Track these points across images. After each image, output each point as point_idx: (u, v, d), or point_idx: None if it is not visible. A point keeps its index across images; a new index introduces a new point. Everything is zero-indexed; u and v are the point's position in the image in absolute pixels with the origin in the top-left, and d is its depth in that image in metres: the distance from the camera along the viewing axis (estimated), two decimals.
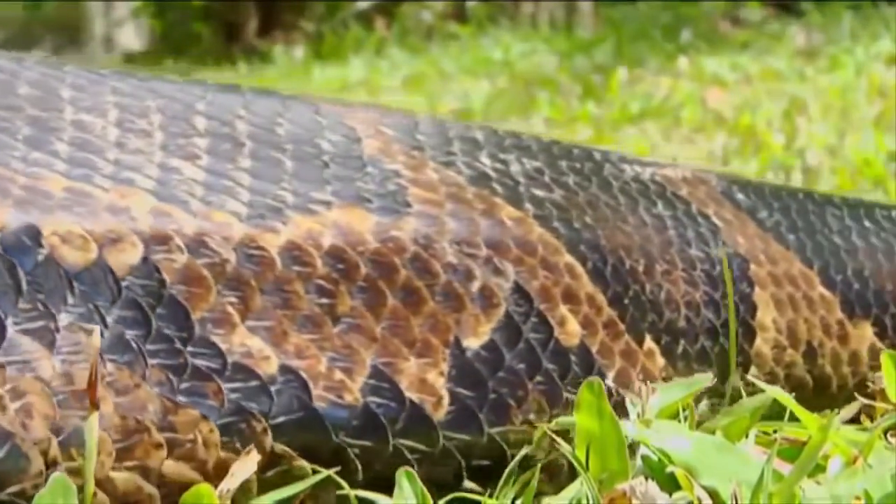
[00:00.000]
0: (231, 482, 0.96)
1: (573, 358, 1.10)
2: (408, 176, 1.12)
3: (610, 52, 6.68)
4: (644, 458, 1.00)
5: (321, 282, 0.99)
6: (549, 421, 1.05)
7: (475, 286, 1.07)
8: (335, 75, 7.12)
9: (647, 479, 0.95)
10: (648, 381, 1.10)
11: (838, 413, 1.13)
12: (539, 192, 1.20)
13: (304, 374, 0.95)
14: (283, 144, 1.10)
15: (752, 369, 1.28)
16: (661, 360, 1.18)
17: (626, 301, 1.17)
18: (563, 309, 1.11)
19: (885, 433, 1.15)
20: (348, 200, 1.06)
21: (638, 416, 1.07)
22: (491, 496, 1.02)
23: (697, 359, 1.21)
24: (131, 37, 11.15)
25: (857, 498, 0.93)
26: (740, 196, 1.40)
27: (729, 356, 1.25)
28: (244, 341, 0.94)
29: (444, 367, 1.02)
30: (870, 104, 4.30)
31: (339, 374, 0.97)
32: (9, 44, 10.81)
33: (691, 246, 1.28)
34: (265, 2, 9.83)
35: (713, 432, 1.07)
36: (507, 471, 1.03)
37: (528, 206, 1.17)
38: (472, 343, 1.04)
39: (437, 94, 5.80)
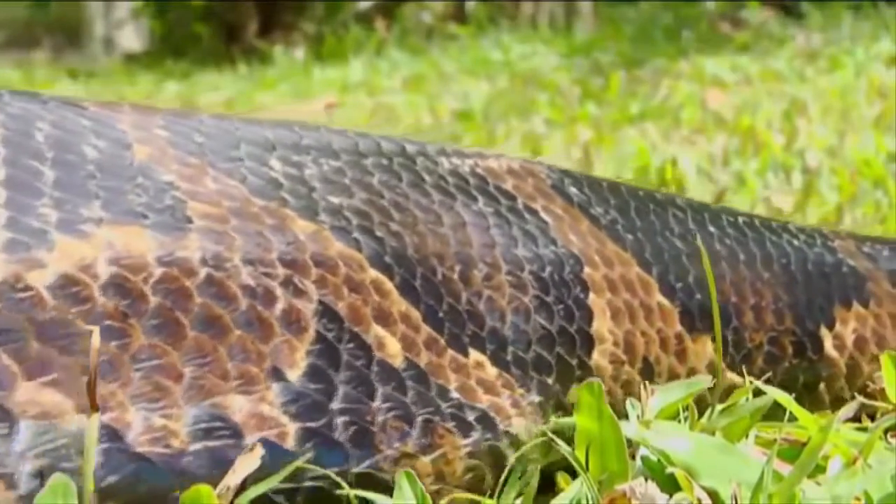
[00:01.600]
0: (233, 479, 0.96)
1: (406, 376, 1.01)
2: (184, 187, 0.99)
3: (610, 52, 6.68)
4: (644, 458, 1.00)
5: (108, 320, 0.87)
6: (407, 444, 0.98)
7: (278, 309, 0.96)
8: (335, 76, 7.12)
9: (646, 479, 0.95)
10: (488, 391, 1.05)
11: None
12: (336, 199, 1.07)
13: (115, 426, 0.85)
14: (44, 152, 0.94)
15: None
16: (492, 370, 1.07)
17: (442, 315, 1.07)
18: (379, 330, 1.02)
19: (886, 433, 1.15)
20: (121, 217, 0.93)
21: (637, 416, 1.07)
22: (491, 496, 1.02)
23: (535, 367, 1.11)
24: (131, 38, 11.15)
25: (857, 498, 0.93)
26: (573, 190, 1.27)
27: (715, 354, 1.26)
28: (34, 398, 0.83)
29: (274, 397, 0.92)
30: (870, 105, 4.29)
31: (158, 420, 0.87)
32: (10, 44, 10.81)
33: (517, 245, 1.16)
34: (265, 3, 9.83)
35: (713, 433, 1.07)
36: (507, 472, 1.03)
37: (323, 216, 1.05)
38: (293, 371, 0.95)
39: (436, 94, 5.80)
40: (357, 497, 0.95)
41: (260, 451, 0.98)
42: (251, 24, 9.85)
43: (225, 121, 1.12)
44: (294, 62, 8.41)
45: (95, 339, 0.91)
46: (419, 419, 0.99)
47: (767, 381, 1.20)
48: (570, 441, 1.02)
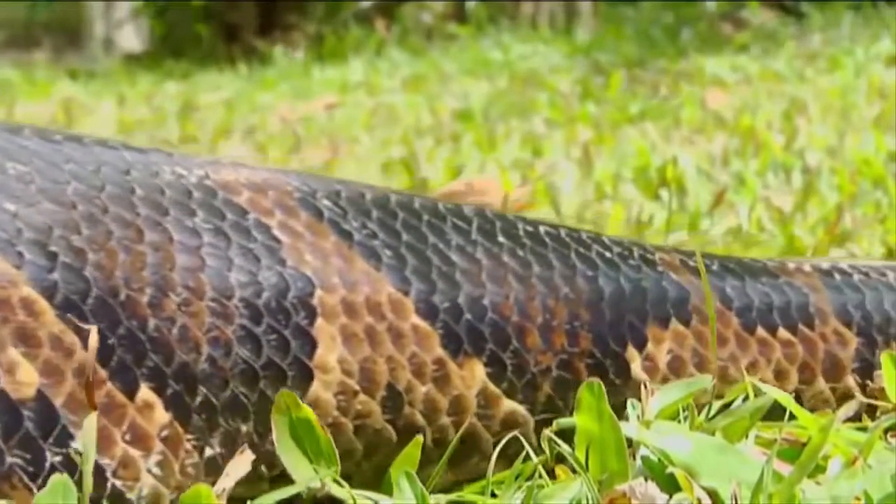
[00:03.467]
0: (226, 482, 0.96)
1: (27, 413, 0.91)
2: None
3: (610, 52, 6.68)
4: (644, 458, 1.00)
5: None
6: None
7: None
8: (335, 76, 7.12)
9: (646, 479, 0.95)
10: (142, 442, 0.94)
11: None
12: (12, 207, 0.98)
13: None
14: None
15: None
16: (164, 415, 0.96)
17: (113, 341, 0.96)
18: (14, 352, 0.91)
19: (885, 433, 1.15)
20: None
21: (638, 417, 1.07)
22: (493, 496, 1.02)
23: (227, 410, 1.00)
24: (131, 38, 11.15)
25: (857, 498, 0.93)
26: (325, 203, 1.15)
27: (710, 352, 1.25)
28: None
29: None
30: (869, 105, 4.29)
31: None
32: (10, 45, 10.81)
33: (231, 268, 1.05)
34: (265, 3, 9.83)
35: (713, 433, 1.07)
36: (508, 472, 1.03)
37: None
38: None
39: (436, 94, 5.80)
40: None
41: (251, 455, 0.98)
42: (251, 24, 9.85)
43: None
44: (294, 62, 8.41)
45: (93, 340, 0.92)
46: (5, 468, 0.89)
47: (555, 409, 1.14)
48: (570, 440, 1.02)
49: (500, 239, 1.21)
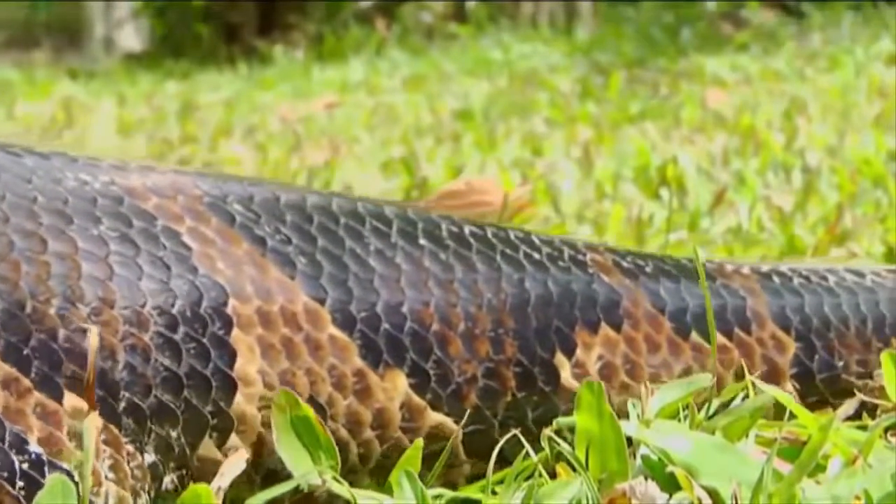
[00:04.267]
0: (222, 481, 0.96)
1: None
2: None
3: (610, 52, 6.68)
4: (644, 457, 1.00)
5: None
6: None
7: None
8: (335, 76, 7.12)
9: (646, 479, 0.95)
10: (77, 444, 0.92)
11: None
12: None
13: None
14: None
15: (233, 436, 1.02)
16: (97, 419, 0.94)
17: (27, 352, 0.94)
18: None
19: (886, 432, 1.15)
20: None
21: (638, 416, 1.07)
22: (494, 493, 1.02)
23: (156, 415, 0.98)
24: (131, 38, 11.15)
25: (857, 498, 0.93)
26: (236, 208, 1.11)
27: (711, 354, 1.25)
28: None
29: None
30: (870, 104, 4.29)
31: None
32: (10, 45, 10.82)
33: (142, 275, 1.02)
34: (265, 3, 9.83)
35: (713, 432, 1.07)
36: (509, 471, 1.03)
37: None
38: None
39: (436, 94, 5.80)
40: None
41: (245, 454, 0.98)
42: (251, 24, 9.85)
43: None
44: (294, 62, 8.41)
45: (94, 339, 0.92)
46: None
47: (483, 419, 1.11)
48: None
49: (422, 242, 1.16)
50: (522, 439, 1.08)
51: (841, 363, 1.29)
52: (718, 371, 1.21)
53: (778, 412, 1.13)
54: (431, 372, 1.10)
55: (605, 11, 8.63)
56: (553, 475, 1.04)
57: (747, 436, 1.08)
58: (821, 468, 1.02)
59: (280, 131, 4.65)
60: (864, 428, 1.13)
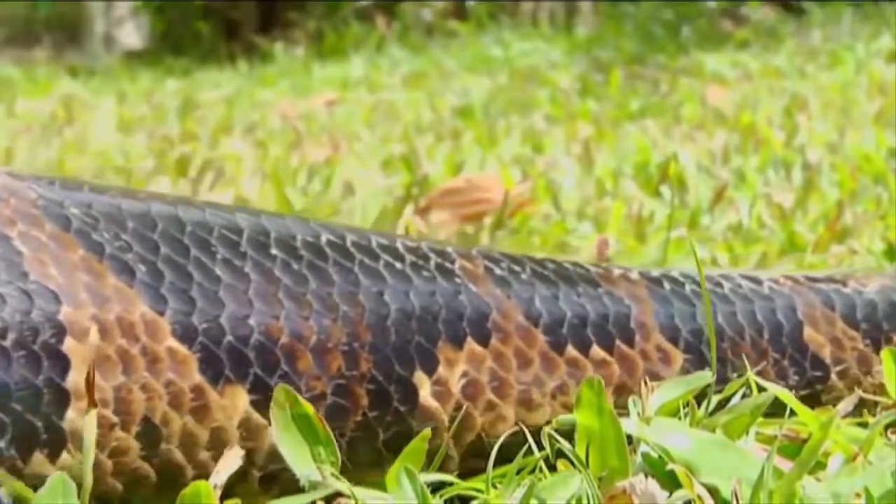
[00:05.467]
0: (218, 478, 0.97)
1: None
2: None
3: (610, 49, 6.68)
4: (644, 455, 1.00)
5: None
6: None
7: None
8: (335, 73, 7.12)
9: (647, 476, 0.95)
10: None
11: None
12: None
13: None
14: None
15: (65, 454, 0.96)
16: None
17: None
18: None
19: (886, 430, 1.15)
20: None
21: (638, 413, 1.07)
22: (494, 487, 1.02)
23: None
24: (132, 35, 11.15)
25: (858, 495, 0.93)
26: (74, 213, 1.05)
27: (711, 357, 1.25)
28: None
29: None
30: (870, 101, 4.29)
31: None
32: (10, 42, 10.82)
33: None
34: (266, 0, 9.83)
35: (713, 430, 1.07)
36: (508, 469, 1.03)
37: None
38: None
39: (437, 91, 5.80)
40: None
41: (240, 451, 0.98)
42: (251, 22, 9.85)
43: None
44: (294, 59, 8.41)
45: (93, 335, 0.92)
46: None
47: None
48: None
49: (274, 251, 1.09)
50: (528, 435, 1.08)
51: (735, 375, 1.20)
52: None
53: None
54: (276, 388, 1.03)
55: (606, 8, 8.63)
56: (554, 472, 1.04)
57: (748, 433, 1.08)
58: (821, 465, 1.03)
59: (280, 128, 4.64)
60: (864, 425, 1.13)
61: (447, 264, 1.16)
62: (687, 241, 2.11)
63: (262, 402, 1.02)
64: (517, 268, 1.19)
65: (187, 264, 1.05)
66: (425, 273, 1.14)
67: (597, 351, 1.17)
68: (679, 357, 1.21)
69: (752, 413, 1.09)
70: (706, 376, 1.13)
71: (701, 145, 3.56)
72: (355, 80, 6.63)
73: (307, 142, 4.19)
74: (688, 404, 1.10)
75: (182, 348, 1.01)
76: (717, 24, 7.28)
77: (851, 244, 2.19)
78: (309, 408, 1.00)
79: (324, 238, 1.13)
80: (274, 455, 1.01)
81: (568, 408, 1.12)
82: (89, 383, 0.93)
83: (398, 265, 1.14)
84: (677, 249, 2.02)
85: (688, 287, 1.26)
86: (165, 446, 0.99)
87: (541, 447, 1.06)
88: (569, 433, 1.04)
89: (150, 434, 0.98)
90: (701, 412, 1.10)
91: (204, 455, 1.00)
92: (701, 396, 1.12)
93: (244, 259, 1.07)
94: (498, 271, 1.17)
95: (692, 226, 2.43)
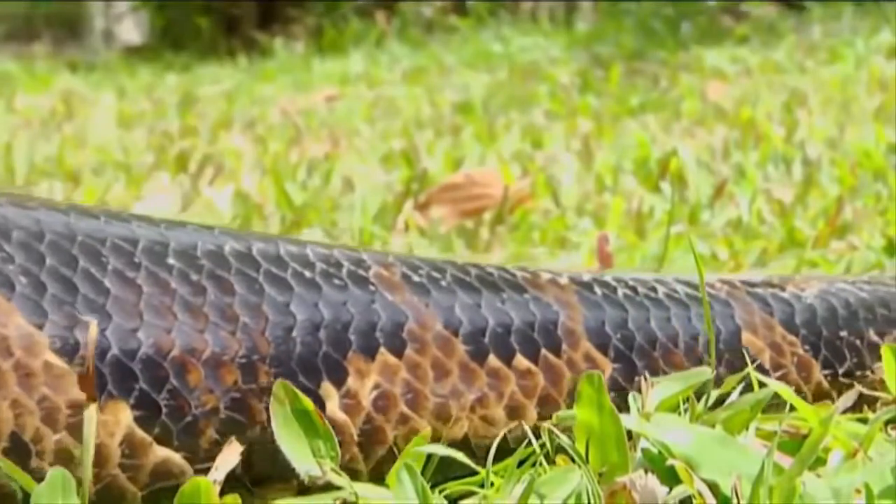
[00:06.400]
0: (217, 474, 0.96)
1: None
2: None
3: (610, 45, 6.68)
4: (644, 451, 1.00)
5: None
6: None
7: None
8: (335, 69, 7.12)
9: (647, 472, 0.95)
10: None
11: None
12: None
13: None
14: None
15: None
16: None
17: None
18: None
19: (886, 425, 1.15)
20: None
21: (638, 409, 1.07)
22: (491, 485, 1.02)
23: None
24: (131, 30, 11.15)
25: (858, 491, 0.93)
26: None
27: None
28: None
29: None
30: (870, 96, 4.29)
31: None
32: (10, 37, 10.81)
33: None
34: None
35: (713, 425, 1.07)
36: (508, 464, 1.03)
37: None
38: None
39: (437, 87, 5.80)
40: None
41: (239, 446, 0.98)
42: (251, 17, 9.85)
43: None
44: (294, 55, 8.41)
45: (93, 331, 0.92)
46: None
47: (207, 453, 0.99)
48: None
49: (171, 261, 1.04)
50: (528, 430, 1.08)
51: None
52: (519, 402, 1.11)
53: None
54: (163, 403, 0.99)
55: (605, 7, 8.63)
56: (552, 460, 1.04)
57: (748, 429, 1.08)
58: (821, 461, 1.02)
59: (280, 124, 4.64)
60: (864, 421, 1.13)
61: (361, 272, 1.11)
62: (686, 237, 2.11)
63: (146, 418, 0.98)
64: (437, 275, 1.14)
65: (73, 276, 1.00)
66: (336, 281, 1.09)
67: (521, 360, 1.13)
68: (608, 366, 1.16)
69: (752, 409, 1.09)
70: (706, 372, 1.13)
71: (701, 141, 3.57)
72: (355, 76, 6.63)
73: (307, 137, 4.19)
74: (688, 400, 1.10)
75: (60, 363, 0.96)
76: (717, 21, 7.28)
77: (851, 240, 2.19)
78: (309, 403, 1.00)
79: (227, 247, 1.08)
80: (159, 474, 0.98)
81: (488, 420, 1.09)
82: (88, 379, 0.92)
83: (307, 273, 1.09)
84: (677, 245, 2.02)
85: (620, 291, 1.21)
86: (39, 463, 0.94)
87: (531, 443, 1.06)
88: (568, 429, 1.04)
89: (20, 452, 0.93)
90: (700, 407, 1.10)
91: (81, 472, 0.95)
92: (698, 393, 1.12)
93: (137, 270, 1.02)
94: (416, 278, 1.13)
95: (692, 221, 2.43)
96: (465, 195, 2.66)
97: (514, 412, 1.11)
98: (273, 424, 1.00)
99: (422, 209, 2.60)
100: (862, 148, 3.11)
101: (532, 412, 1.11)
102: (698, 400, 1.11)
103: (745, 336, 1.23)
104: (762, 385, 1.13)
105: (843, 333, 1.28)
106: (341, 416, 1.04)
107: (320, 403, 1.03)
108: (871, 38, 5.86)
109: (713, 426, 1.06)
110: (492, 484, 1.02)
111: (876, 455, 1.03)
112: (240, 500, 0.93)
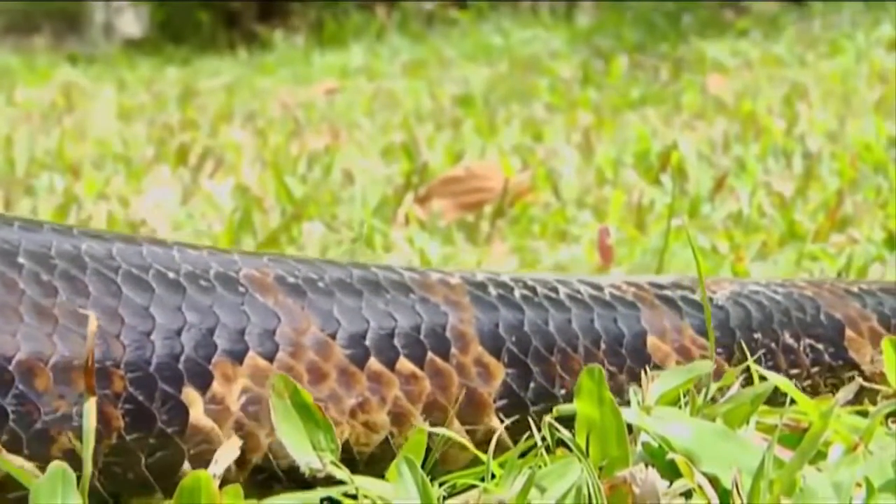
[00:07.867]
0: (216, 468, 0.96)
1: None
2: None
3: (610, 38, 6.67)
4: (644, 444, 1.00)
5: None
6: None
7: None
8: (335, 61, 7.11)
9: (647, 465, 0.95)
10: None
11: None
12: None
13: None
14: None
15: None
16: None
17: None
18: None
19: (886, 419, 1.15)
20: None
21: (638, 402, 1.07)
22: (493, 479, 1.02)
23: None
24: (131, 23, 11.14)
25: (858, 485, 0.93)
26: None
27: (709, 342, 1.25)
28: None
29: None
30: (870, 89, 4.29)
31: None
32: (10, 30, 10.81)
33: None
34: None
35: (714, 419, 1.07)
36: (508, 458, 1.03)
37: None
38: None
39: (437, 80, 5.80)
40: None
41: (238, 441, 0.98)
42: (251, 10, 9.85)
43: None
44: (294, 47, 8.40)
45: (92, 323, 0.92)
46: None
47: (77, 460, 0.93)
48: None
49: (21, 260, 0.99)
50: (531, 425, 1.07)
51: (563, 392, 1.12)
52: (404, 407, 1.07)
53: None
54: (10, 409, 0.94)
55: (606, 3, 8.62)
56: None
57: (748, 422, 1.08)
58: (822, 455, 1.02)
59: (280, 117, 4.64)
60: (864, 414, 1.13)
61: (230, 273, 1.07)
62: (685, 230, 2.11)
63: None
64: (315, 276, 1.11)
65: None
66: (202, 283, 1.05)
67: (405, 364, 1.08)
68: (500, 371, 1.11)
69: (752, 402, 1.09)
70: (707, 365, 1.12)
71: (701, 134, 3.56)
72: (355, 69, 6.63)
73: (307, 130, 4.19)
74: (688, 393, 1.10)
75: None
76: (717, 13, 7.28)
77: (851, 233, 2.19)
78: (308, 396, 1.00)
79: (84, 247, 1.04)
80: (4, 485, 0.93)
81: (369, 426, 1.05)
82: (88, 371, 0.92)
83: (170, 275, 1.05)
84: (677, 238, 2.02)
85: (517, 292, 1.16)
86: None
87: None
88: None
89: None
90: (700, 401, 1.10)
91: None
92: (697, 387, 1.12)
93: None
94: (291, 280, 1.09)
95: (692, 214, 2.43)
96: (466, 188, 2.66)
97: (398, 418, 1.07)
98: (273, 417, 1.00)
99: (422, 202, 2.60)
100: (862, 141, 3.11)
101: (417, 419, 1.07)
102: (698, 393, 1.11)
103: (651, 340, 1.19)
104: (763, 378, 1.13)
105: (757, 336, 1.23)
106: (207, 423, 1.00)
107: (182, 409, 0.99)
108: (872, 31, 5.85)
109: (713, 420, 1.06)
110: (493, 476, 1.02)
111: (877, 449, 1.03)
112: (241, 493, 0.93)
